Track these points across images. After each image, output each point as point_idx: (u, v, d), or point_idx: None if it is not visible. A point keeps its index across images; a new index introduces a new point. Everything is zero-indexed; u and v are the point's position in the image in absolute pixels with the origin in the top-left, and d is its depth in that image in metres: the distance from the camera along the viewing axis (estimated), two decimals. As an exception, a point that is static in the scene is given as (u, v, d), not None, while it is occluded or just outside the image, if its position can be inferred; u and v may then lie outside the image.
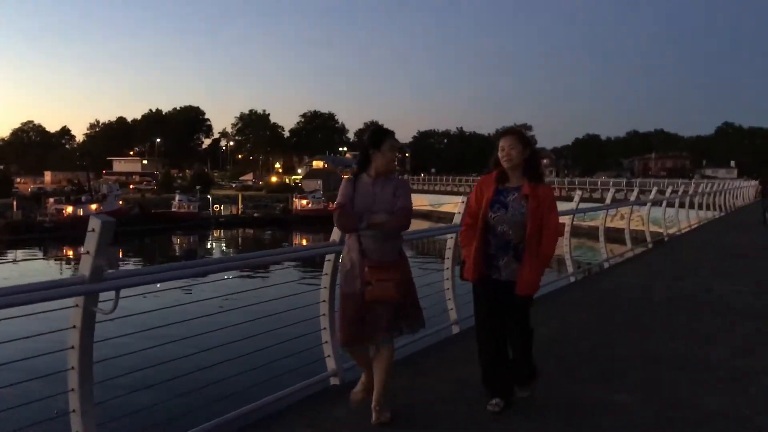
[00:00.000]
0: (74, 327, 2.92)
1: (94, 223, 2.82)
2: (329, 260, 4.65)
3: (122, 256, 41.30)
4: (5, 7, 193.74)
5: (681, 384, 4.70)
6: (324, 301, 4.66)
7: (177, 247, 49.41)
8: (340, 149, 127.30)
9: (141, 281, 3.11)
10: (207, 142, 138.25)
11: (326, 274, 4.66)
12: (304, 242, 44.44)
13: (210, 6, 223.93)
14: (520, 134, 4.07)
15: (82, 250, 2.83)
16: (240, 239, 53.74)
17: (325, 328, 4.63)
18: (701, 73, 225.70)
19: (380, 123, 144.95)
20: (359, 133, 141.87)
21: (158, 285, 3.45)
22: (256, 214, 62.68)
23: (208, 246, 50.17)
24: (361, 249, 3.71)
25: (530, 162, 3.98)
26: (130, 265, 35.75)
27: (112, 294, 2.89)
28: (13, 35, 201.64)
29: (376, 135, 3.86)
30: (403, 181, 3.97)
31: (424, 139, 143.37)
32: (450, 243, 6.35)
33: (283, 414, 3.99)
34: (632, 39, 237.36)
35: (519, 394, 4.13)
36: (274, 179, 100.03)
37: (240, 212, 64.27)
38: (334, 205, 3.84)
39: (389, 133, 3.87)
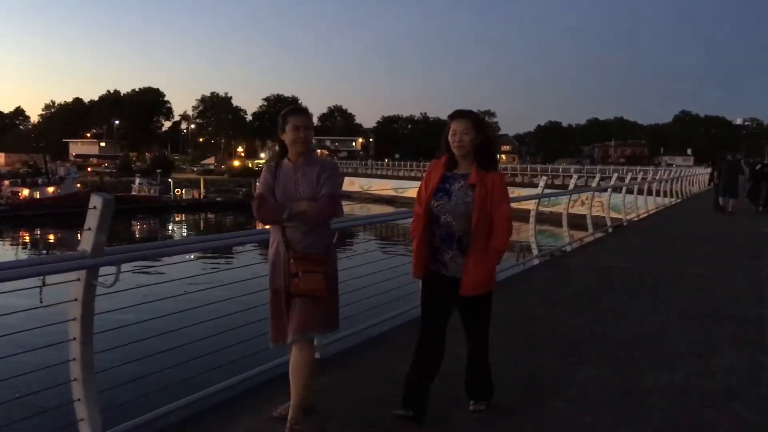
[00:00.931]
0: (75, 300, 3.05)
1: (96, 201, 2.95)
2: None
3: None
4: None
5: (635, 358, 5.05)
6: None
7: (138, 230, 48.74)
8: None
9: (140, 256, 3.26)
10: (167, 125, 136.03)
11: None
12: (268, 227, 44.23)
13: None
14: (474, 118, 3.69)
15: (84, 226, 2.96)
16: (202, 223, 53.26)
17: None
18: (660, 62, 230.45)
19: (344, 108, 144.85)
20: (323, 118, 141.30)
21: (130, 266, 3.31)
22: (218, 199, 62.13)
23: (170, 230, 49.62)
24: (286, 240, 3.43)
25: (482, 148, 3.63)
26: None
27: (112, 269, 3.03)
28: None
29: (280, 117, 3.56)
30: (330, 164, 3.65)
31: (388, 124, 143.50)
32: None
33: (234, 401, 3.86)
34: (593, 28, 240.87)
35: (473, 406, 3.80)
36: (236, 163, 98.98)
37: (202, 196, 63.60)
38: (255, 195, 3.58)
39: (293, 111, 3.55)
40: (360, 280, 5.41)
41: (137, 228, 49.12)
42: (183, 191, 65.16)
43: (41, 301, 3.78)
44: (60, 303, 3.08)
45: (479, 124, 3.69)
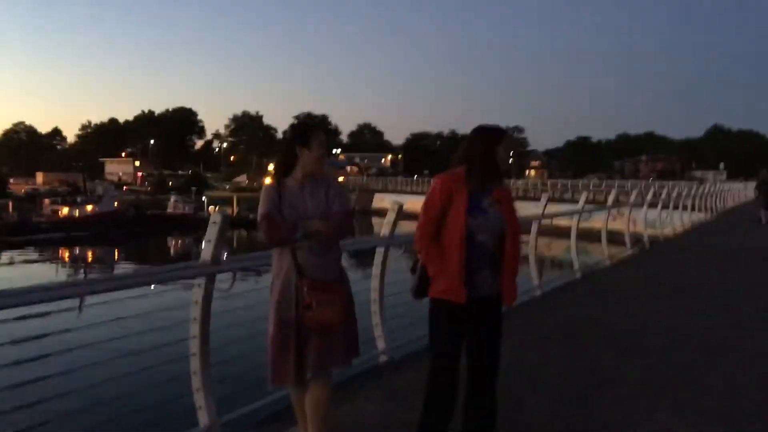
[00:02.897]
0: (196, 303, 3.51)
1: (216, 217, 3.43)
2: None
3: (118, 256, 41.77)
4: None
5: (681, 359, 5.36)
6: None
7: (173, 247, 49.77)
8: (334, 151, 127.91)
9: (251, 266, 3.71)
10: (200, 143, 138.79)
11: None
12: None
13: (202, 7, 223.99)
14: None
15: (204, 238, 3.43)
16: (235, 240, 54.18)
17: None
18: (691, 76, 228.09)
19: (373, 125, 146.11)
20: (352, 135, 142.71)
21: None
22: (251, 216, 63.04)
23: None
24: (297, 265, 3.13)
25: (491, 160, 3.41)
26: (129, 265, 36.26)
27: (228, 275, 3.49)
28: (2, 37, 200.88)
29: (303, 129, 3.37)
30: (336, 180, 3.48)
31: (417, 140, 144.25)
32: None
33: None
34: (623, 42, 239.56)
35: None
36: (267, 180, 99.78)
37: (235, 213, 64.59)
38: (260, 216, 3.21)
39: (316, 127, 3.42)
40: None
41: (172, 244, 50.20)
42: (217, 208, 66.26)
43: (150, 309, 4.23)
44: (182, 306, 3.52)
45: None
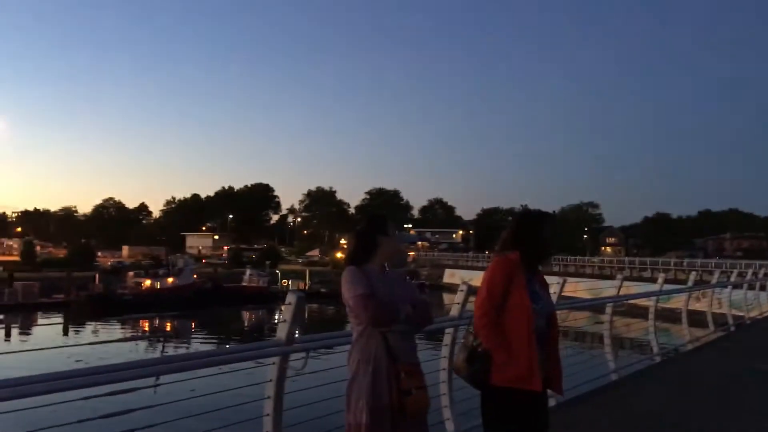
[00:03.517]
0: (270, 380, 3.63)
1: (291, 298, 3.58)
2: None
3: (195, 327, 42.90)
4: (86, 94, 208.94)
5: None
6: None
7: (247, 319, 50.75)
8: (405, 226, 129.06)
9: (324, 345, 3.83)
10: (275, 218, 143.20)
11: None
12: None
13: (278, 87, 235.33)
14: None
15: (279, 317, 3.57)
16: (306, 312, 54.74)
17: None
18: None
19: (444, 200, 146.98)
20: (423, 211, 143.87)
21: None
22: (323, 290, 63.82)
23: (276, 319, 51.29)
24: (389, 348, 3.11)
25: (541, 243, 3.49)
26: (205, 337, 37.20)
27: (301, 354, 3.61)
28: (94, 119, 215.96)
29: (380, 219, 3.42)
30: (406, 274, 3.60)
31: (488, 216, 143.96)
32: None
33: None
34: (703, 116, 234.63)
35: None
36: (339, 255, 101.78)
37: (307, 287, 65.55)
38: (359, 295, 3.12)
39: (387, 217, 3.49)
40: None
41: (247, 317, 51.20)
42: (289, 282, 67.45)
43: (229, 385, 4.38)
44: (259, 383, 3.65)
45: None
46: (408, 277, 3.38)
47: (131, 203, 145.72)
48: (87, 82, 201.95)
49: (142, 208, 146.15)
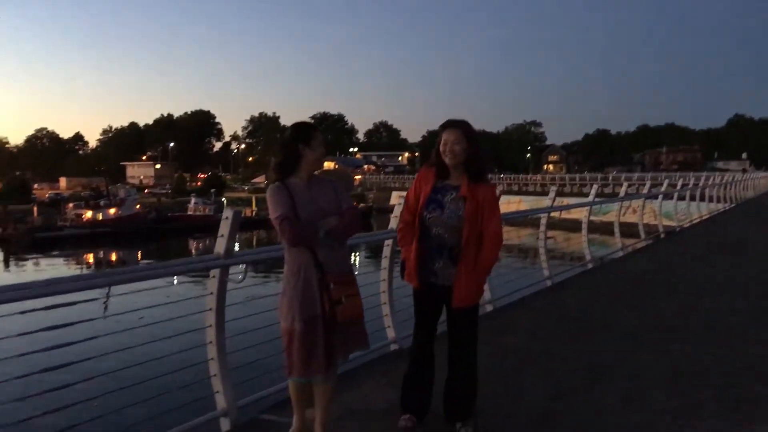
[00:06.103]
0: (211, 293, 3.75)
1: (228, 213, 3.66)
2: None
3: (141, 258, 42.48)
4: (18, 16, 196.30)
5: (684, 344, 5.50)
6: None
7: (194, 248, 50.47)
8: (351, 150, 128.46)
9: (266, 257, 3.94)
10: (218, 145, 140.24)
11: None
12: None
13: (218, 10, 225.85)
14: (466, 127, 3.62)
15: (218, 233, 3.67)
16: (255, 240, 54.75)
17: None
18: (711, 65, 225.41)
19: (390, 123, 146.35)
20: (369, 134, 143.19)
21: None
22: (269, 216, 63.64)
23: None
24: (318, 263, 3.20)
25: (472, 158, 3.55)
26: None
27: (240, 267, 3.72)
28: (24, 43, 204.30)
29: (304, 128, 3.39)
30: (337, 179, 3.57)
31: (433, 137, 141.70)
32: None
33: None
34: (641, 33, 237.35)
35: (460, 430, 3.61)
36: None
37: (254, 214, 65.24)
38: (277, 218, 3.19)
39: (315, 126, 3.48)
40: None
41: (194, 246, 50.88)
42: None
43: (167, 298, 4.49)
44: (201, 296, 3.77)
45: (470, 133, 3.62)
46: (334, 186, 3.37)
47: (66, 133, 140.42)
48: (17, 3, 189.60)
49: (78, 137, 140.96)
